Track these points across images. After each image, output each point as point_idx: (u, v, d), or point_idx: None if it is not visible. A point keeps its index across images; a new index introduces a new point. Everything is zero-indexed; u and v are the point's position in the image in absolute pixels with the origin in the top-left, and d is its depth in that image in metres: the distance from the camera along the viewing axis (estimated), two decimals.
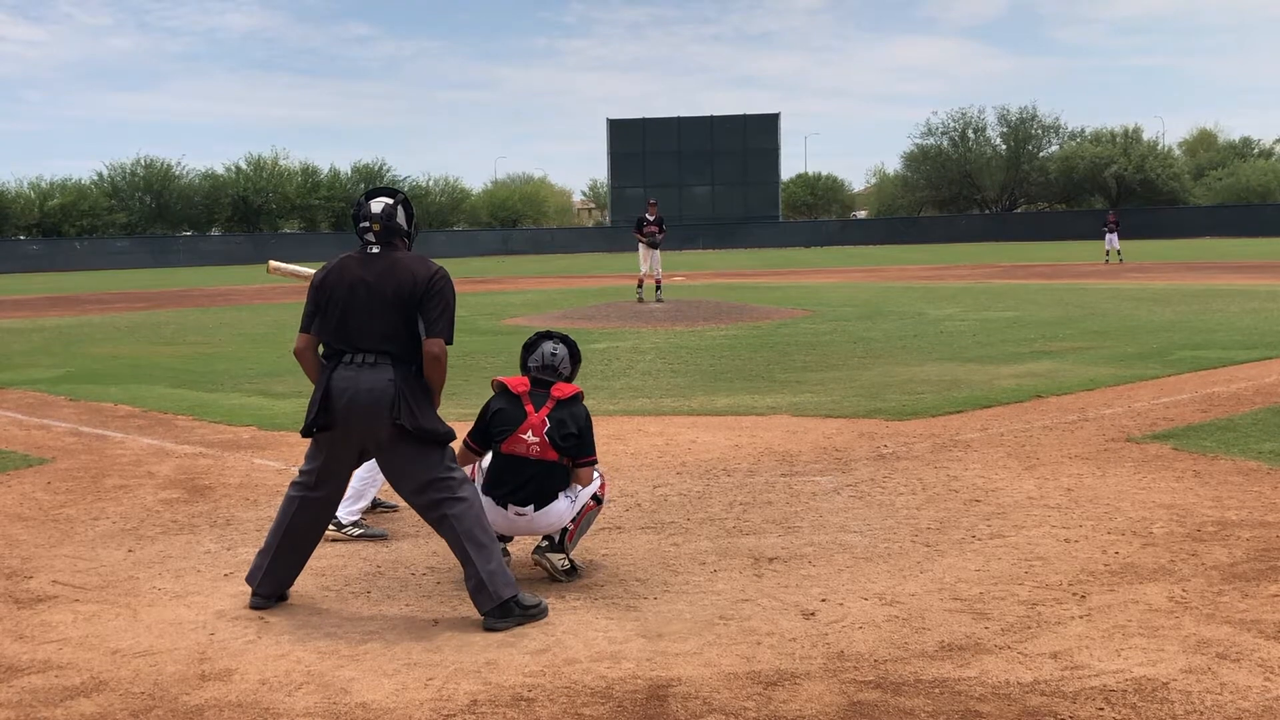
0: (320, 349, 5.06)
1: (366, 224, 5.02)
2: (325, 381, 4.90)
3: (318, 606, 5.13)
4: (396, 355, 4.87)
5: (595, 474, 5.53)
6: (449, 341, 4.94)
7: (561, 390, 5.40)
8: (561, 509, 5.31)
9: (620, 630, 4.70)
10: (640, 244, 23.44)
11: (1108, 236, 41.03)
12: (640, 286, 23.79)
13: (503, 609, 4.77)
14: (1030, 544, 5.76)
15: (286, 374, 13.62)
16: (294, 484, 5.15)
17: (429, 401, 4.93)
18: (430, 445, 4.91)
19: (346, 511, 6.26)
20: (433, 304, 4.88)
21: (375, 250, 5.01)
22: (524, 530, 5.39)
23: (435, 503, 4.91)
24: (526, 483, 5.27)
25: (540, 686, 4.12)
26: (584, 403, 5.49)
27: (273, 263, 7.08)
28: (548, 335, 5.66)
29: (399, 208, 5.10)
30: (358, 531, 6.27)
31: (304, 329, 5.07)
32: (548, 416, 5.31)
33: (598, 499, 5.54)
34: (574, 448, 5.35)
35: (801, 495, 6.92)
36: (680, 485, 7.30)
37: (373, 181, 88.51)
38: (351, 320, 4.91)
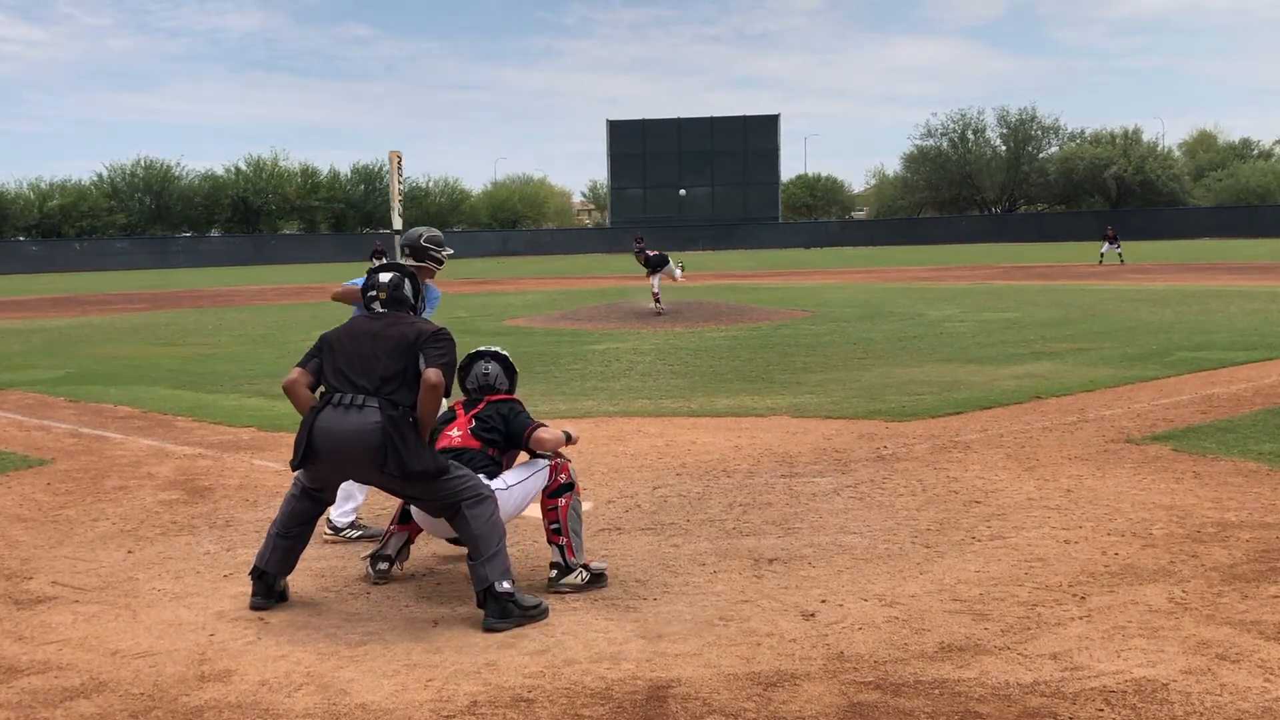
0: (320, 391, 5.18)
1: (374, 292, 5.26)
2: (310, 421, 5.00)
3: (317, 607, 5.13)
4: (388, 397, 4.94)
5: (542, 460, 5.42)
6: (447, 389, 5.02)
7: (494, 396, 5.61)
8: None
9: (620, 631, 4.70)
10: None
11: (1106, 245, 41.44)
12: (656, 300, 22.56)
13: (501, 608, 4.78)
14: (1030, 545, 5.76)
15: (286, 374, 13.62)
16: (296, 479, 5.27)
17: (418, 440, 4.96)
18: (426, 480, 4.95)
19: (340, 513, 6.27)
20: (436, 347, 5.01)
21: (381, 311, 5.25)
22: (448, 529, 5.27)
23: (451, 509, 5.01)
24: None
25: (540, 688, 4.12)
26: (517, 404, 5.58)
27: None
28: (479, 355, 5.80)
29: (406, 280, 5.32)
30: (356, 533, 6.28)
31: (299, 364, 5.22)
32: (474, 416, 5.48)
33: (567, 487, 5.35)
34: (508, 433, 5.41)
35: (801, 496, 6.92)
36: (680, 486, 7.30)
37: (372, 182, 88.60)
38: (350, 363, 5.04)
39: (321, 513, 5.36)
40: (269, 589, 5.13)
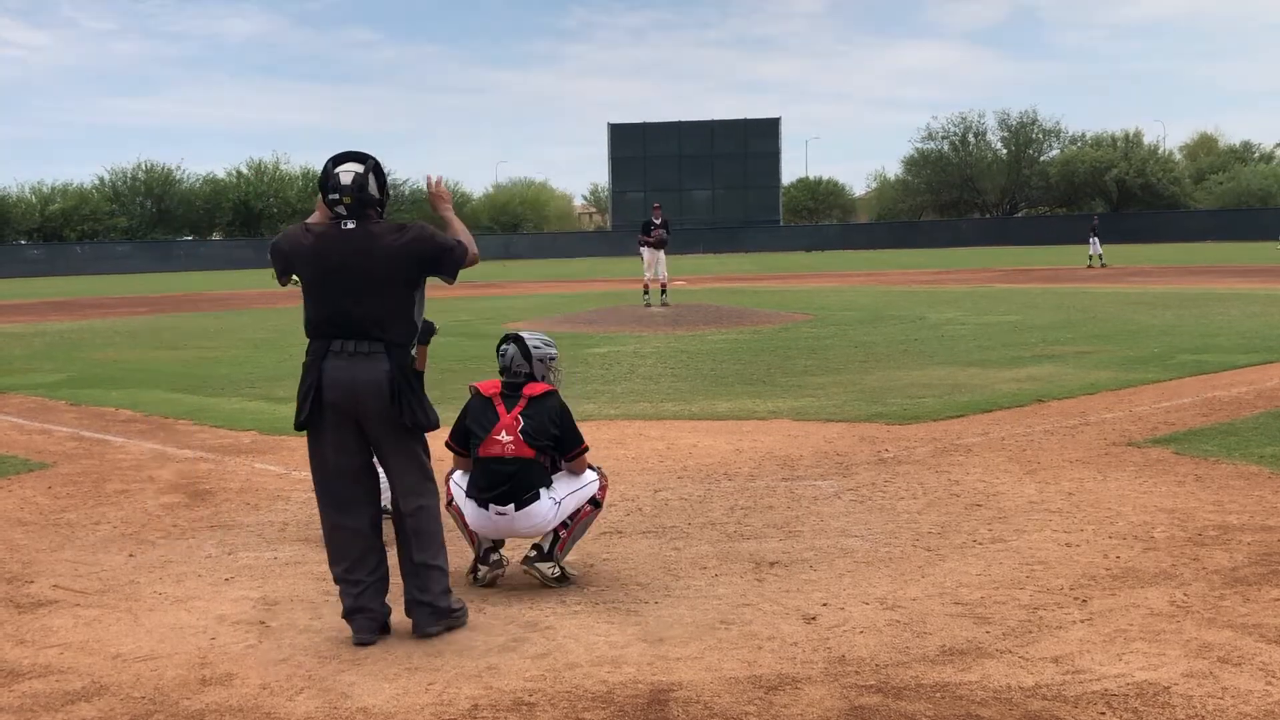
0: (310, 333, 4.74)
1: (336, 196, 4.59)
2: (317, 374, 4.60)
3: (318, 610, 5.12)
4: (389, 342, 4.62)
5: (592, 472, 5.48)
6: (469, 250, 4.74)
7: (533, 389, 5.36)
8: (544, 509, 5.23)
9: (621, 635, 4.69)
10: (645, 248, 23.47)
11: (1092, 240, 41.47)
12: (647, 291, 23.83)
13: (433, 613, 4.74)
14: (1031, 548, 5.75)
15: (288, 378, 13.61)
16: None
17: (421, 390, 4.76)
18: (416, 441, 4.75)
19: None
20: (429, 253, 4.64)
21: (350, 226, 4.61)
22: (506, 532, 5.31)
23: (405, 497, 4.77)
24: (505, 481, 5.22)
25: (541, 691, 4.12)
26: (558, 398, 5.39)
27: None
28: (505, 339, 5.56)
29: (370, 175, 4.65)
30: None
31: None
32: (520, 415, 5.26)
33: (596, 503, 5.46)
34: (557, 445, 5.33)
35: (803, 500, 6.92)
36: (681, 490, 7.30)
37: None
38: (341, 304, 4.58)
39: (370, 542, 4.79)
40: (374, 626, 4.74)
